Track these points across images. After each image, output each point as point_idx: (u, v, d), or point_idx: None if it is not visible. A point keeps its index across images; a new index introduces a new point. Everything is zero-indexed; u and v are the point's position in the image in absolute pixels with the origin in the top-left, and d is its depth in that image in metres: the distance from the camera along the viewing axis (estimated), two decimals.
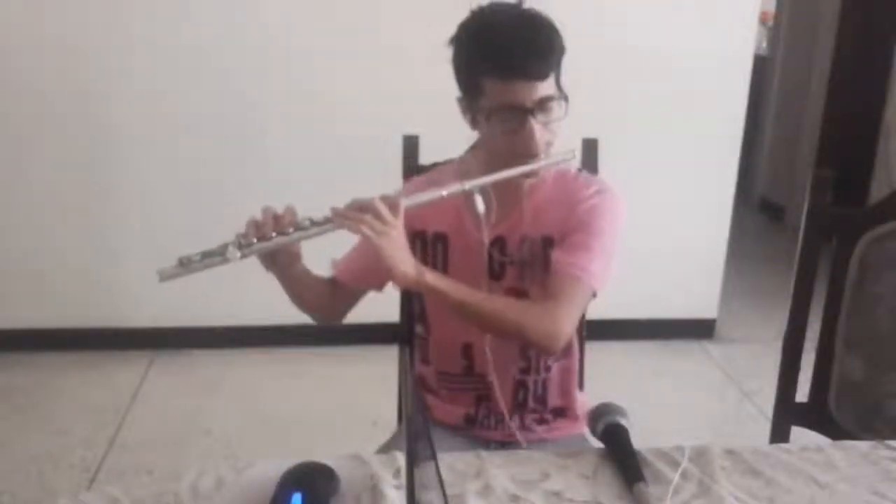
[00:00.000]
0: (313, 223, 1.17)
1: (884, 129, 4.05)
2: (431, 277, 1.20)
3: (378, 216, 1.14)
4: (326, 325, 1.43)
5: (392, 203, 1.17)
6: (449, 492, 0.87)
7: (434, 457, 0.87)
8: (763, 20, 4.66)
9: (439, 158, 1.52)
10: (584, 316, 1.43)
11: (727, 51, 3.02)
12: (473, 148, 1.42)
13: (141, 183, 2.95)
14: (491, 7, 1.25)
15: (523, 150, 1.23)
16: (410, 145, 1.53)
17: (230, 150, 2.93)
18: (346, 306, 1.43)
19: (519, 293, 1.34)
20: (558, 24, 1.24)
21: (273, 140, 2.94)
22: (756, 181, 5.21)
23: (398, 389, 1.60)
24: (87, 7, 2.76)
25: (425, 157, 1.53)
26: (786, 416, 1.55)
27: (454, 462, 1.09)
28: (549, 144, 1.25)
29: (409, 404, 0.89)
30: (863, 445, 1.20)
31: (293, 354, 3.03)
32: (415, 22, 2.87)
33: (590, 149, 1.52)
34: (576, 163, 1.36)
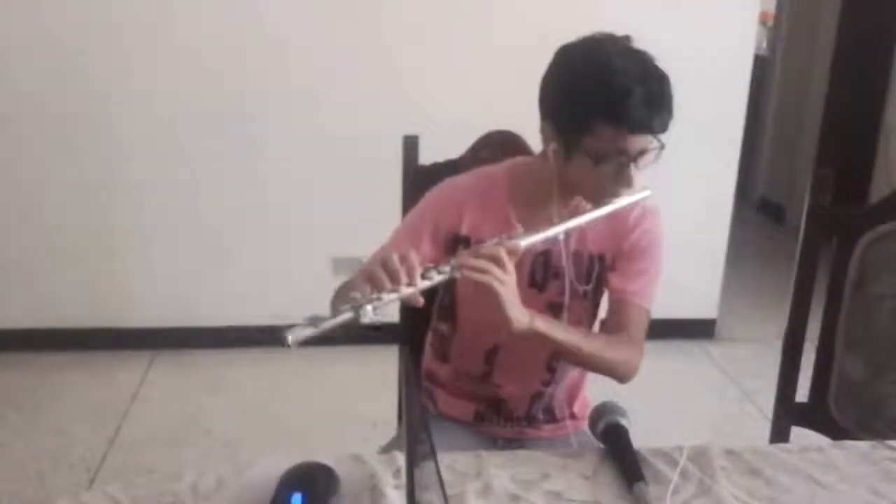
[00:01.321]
0: (439, 272, 1.12)
1: (884, 129, 4.05)
2: (541, 323, 1.21)
3: (501, 265, 1.13)
4: None
5: (512, 249, 1.15)
6: (449, 492, 0.87)
7: (434, 457, 0.87)
8: (763, 20, 4.65)
9: (439, 158, 1.52)
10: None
11: (727, 51, 3.02)
12: (504, 153, 1.40)
13: (140, 183, 2.95)
14: (607, 47, 1.21)
15: (614, 193, 1.23)
16: (410, 145, 1.53)
17: (230, 150, 2.93)
18: None
19: (558, 307, 1.35)
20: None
21: (273, 140, 2.94)
22: (756, 181, 5.20)
23: (398, 389, 1.60)
24: (87, 7, 2.76)
25: (425, 157, 1.53)
26: (786, 416, 1.55)
27: (454, 462, 1.09)
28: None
29: (410, 404, 0.89)
30: (863, 445, 1.20)
31: (293, 354, 3.02)
32: (415, 22, 2.88)
33: None
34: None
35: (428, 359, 1.50)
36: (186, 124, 2.90)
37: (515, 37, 2.80)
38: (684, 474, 1.08)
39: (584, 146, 1.20)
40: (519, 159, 1.40)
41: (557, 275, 1.34)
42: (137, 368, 2.93)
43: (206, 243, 3.02)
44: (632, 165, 1.20)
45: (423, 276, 1.09)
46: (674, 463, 1.10)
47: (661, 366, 3.09)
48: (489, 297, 1.13)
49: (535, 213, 1.28)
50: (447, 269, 1.12)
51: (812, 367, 1.52)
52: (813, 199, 1.46)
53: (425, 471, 0.84)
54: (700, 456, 1.12)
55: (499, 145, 1.51)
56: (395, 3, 2.86)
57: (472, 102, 2.65)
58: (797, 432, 1.54)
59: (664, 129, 1.20)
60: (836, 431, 1.48)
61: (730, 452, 1.14)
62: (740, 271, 3.66)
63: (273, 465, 1.01)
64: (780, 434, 1.54)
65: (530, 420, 1.44)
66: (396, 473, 1.06)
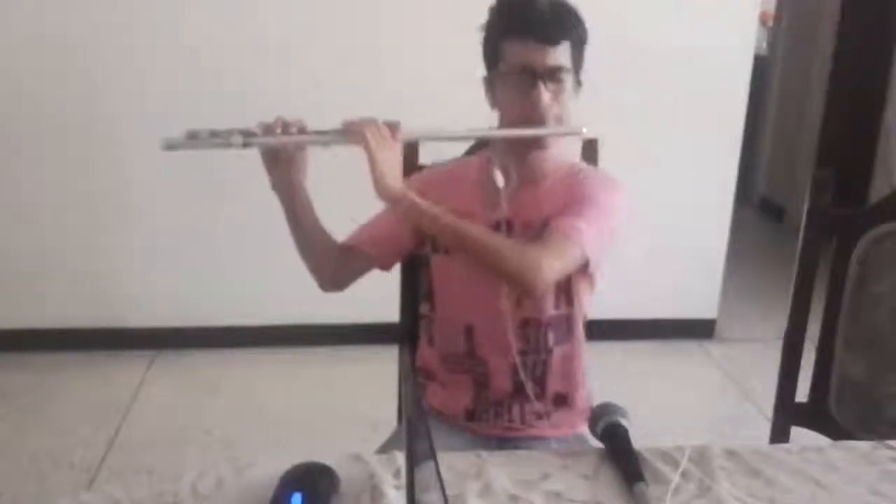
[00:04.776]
0: (319, 132, 1.26)
1: (884, 129, 4.06)
2: (416, 197, 1.24)
3: (379, 130, 1.25)
4: (327, 289, 1.43)
5: (392, 125, 1.27)
6: (449, 492, 0.87)
7: (434, 457, 0.87)
8: (763, 20, 4.66)
9: (439, 158, 1.52)
10: (584, 312, 1.43)
11: (727, 51, 3.02)
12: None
13: (140, 183, 2.95)
14: None
15: (531, 115, 1.28)
16: (410, 145, 1.53)
17: (229, 150, 2.92)
18: (351, 275, 1.43)
19: None
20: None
21: None
22: (756, 181, 5.21)
23: (398, 389, 1.60)
24: (88, 8, 2.76)
25: (425, 157, 1.53)
26: (786, 416, 1.55)
27: (454, 462, 1.09)
28: (558, 118, 1.29)
29: (409, 404, 0.89)
30: (863, 445, 1.20)
31: (293, 354, 3.03)
32: (414, 22, 2.88)
33: (589, 148, 1.52)
34: (587, 133, 1.39)
35: (421, 348, 1.50)
36: (186, 124, 2.88)
37: None
38: (684, 475, 1.08)
39: (498, 76, 1.32)
40: None
41: None
42: (137, 368, 2.93)
43: (206, 243, 3.02)
44: (541, 85, 1.26)
45: (304, 133, 1.29)
46: (674, 463, 1.10)
47: (661, 366, 3.12)
48: (369, 157, 1.23)
49: (507, 173, 1.35)
50: (329, 130, 1.27)
51: (812, 367, 1.52)
52: (813, 200, 1.46)
53: (425, 471, 0.84)
54: (700, 456, 1.12)
55: None
56: (394, 3, 2.87)
57: (471, 102, 2.65)
58: (797, 432, 1.54)
59: (557, 39, 1.27)
60: (836, 431, 1.48)
61: (730, 452, 1.14)
62: (740, 271, 3.66)
63: (273, 465, 1.01)
64: (780, 434, 1.54)
65: (521, 410, 1.42)
66: (396, 473, 1.06)
